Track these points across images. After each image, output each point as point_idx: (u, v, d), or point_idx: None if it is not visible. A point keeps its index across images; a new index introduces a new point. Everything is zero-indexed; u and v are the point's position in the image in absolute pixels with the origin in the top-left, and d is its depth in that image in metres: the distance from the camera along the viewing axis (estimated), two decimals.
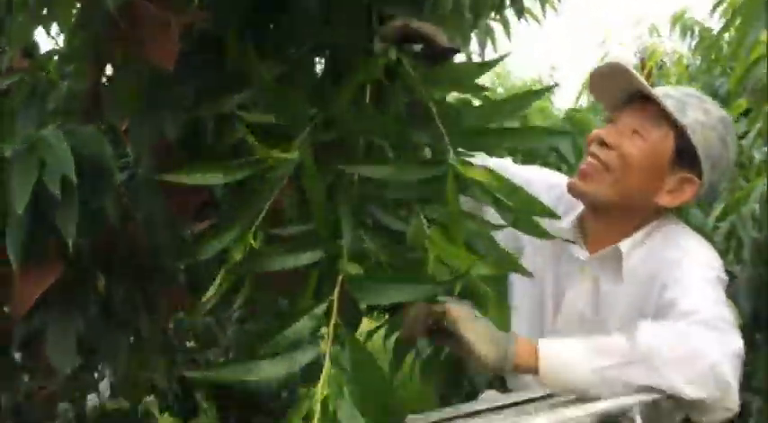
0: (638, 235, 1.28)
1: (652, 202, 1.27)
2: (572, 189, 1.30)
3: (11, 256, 1.11)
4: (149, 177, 1.34)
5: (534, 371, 1.07)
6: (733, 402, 1.05)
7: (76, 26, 1.42)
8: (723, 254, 1.96)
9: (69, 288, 1.38)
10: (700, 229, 2.00)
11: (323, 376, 0.89)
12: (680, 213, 1.40)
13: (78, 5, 1.39)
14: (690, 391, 1.02)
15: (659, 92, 1.26)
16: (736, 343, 1.09)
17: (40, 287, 1.30)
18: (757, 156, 2.28)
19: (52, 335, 1.37)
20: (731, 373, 1.04)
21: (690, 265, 1.20)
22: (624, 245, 1.27)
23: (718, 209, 1.99)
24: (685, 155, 1.25)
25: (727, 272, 1.27)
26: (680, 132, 1.24)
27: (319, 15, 1.16)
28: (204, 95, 1.24)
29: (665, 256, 1.23)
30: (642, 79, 1.27)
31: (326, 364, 0.90)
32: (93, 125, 1.21)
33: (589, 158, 1.28)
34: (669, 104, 1.23)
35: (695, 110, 1.25)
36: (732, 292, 1.62)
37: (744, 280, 1.88)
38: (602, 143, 1.27)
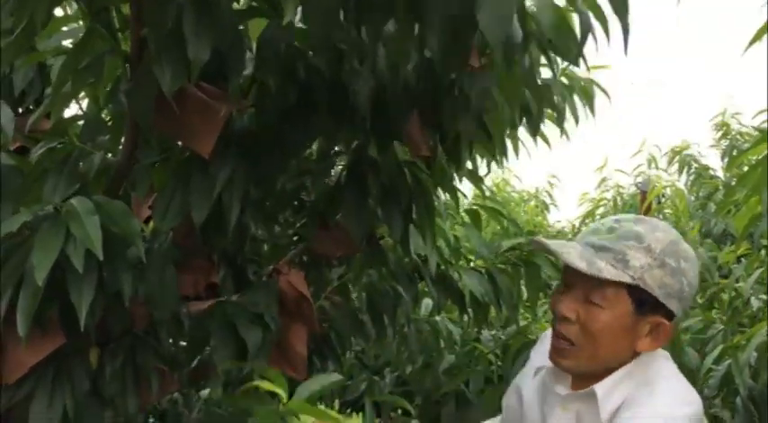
0: (617, 375, 1.24)
1: (633, 352, 1.25)
2: (555, 365, 1.29)
3: (20, 324, 1.08)
4: (166, 254, 1.33)
5: None
6: None
7: (114, 97, 1.43)
8: (711, 399, 1.94)
9: (63, 358, 1.34)
10: (693, 374, 1.99)
11: None
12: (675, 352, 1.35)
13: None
14: None
15: (592, 247, 1.21)
16: None
17: (36, 356, 1.26)
18: (755, 303, 2.27)
19: (38, 404, 1.32)
20: None
21: (651, 407, 1.17)
22: (600, 387, 1.23)
23: (715, 353, 1.98)
24: (647, 302, 1.20)
25: (716, 417, 1.22)
26: (632, 287, 1.19)
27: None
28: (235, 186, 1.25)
29: (632, 396, 1.20)
30: (574, 259, 1.20)
31: None
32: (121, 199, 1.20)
33: (557, 336, 1.26)
34: (610, 266, 1.18)
35: (637, 255, 1.19)
36: None
37: None
38: (564, 318, 1.23)
